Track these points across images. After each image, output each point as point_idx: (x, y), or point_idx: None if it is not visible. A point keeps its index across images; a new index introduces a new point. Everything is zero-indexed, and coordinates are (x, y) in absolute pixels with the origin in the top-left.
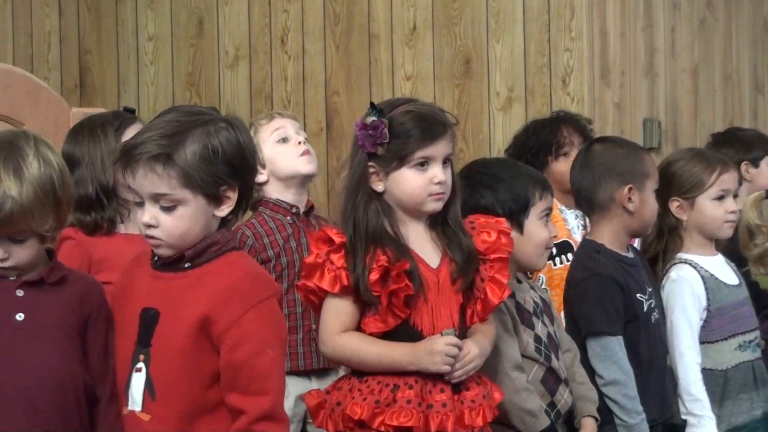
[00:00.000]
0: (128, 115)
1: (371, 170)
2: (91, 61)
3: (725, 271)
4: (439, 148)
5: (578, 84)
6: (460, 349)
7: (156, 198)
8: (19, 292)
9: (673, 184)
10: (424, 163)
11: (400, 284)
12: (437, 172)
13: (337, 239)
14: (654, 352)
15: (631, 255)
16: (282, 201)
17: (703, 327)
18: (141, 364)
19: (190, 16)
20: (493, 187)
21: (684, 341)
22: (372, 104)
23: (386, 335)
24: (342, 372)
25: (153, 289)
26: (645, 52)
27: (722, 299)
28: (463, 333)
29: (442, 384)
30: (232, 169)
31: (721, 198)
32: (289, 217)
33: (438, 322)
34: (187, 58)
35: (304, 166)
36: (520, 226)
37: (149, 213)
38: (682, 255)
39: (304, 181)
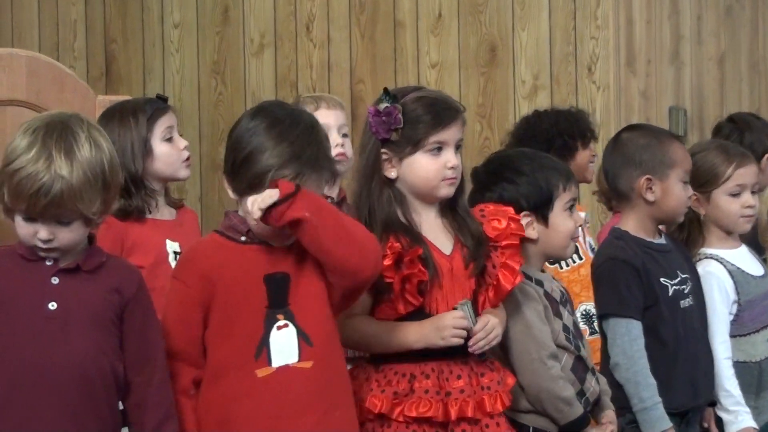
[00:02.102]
0: (161, 104)
1: (384, 157)
2: (117, 49)
3: (751, 263)
4: (451, 133)
5: (604, 72)
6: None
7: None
8: (54, 280)
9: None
10: (438, 148)
11: (413, 270)
12: (450, 157)
13: None
14: (683, 337)
15: (662, 241)
16: None
17: (734, 320)
18: (283, 321)
19: (215, 3)
20: (516, 181)
21: (716, 337)
22: (386, 90)
23: (400, 321)
24: None
25: (266, 258)
26: (671, 40)
27: (751, 291)
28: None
29: (459, 370)
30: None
31: (737, 193)
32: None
33: (452, 308)
34: (212, 46)
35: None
36: (545, 219)
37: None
38: (706, 250)
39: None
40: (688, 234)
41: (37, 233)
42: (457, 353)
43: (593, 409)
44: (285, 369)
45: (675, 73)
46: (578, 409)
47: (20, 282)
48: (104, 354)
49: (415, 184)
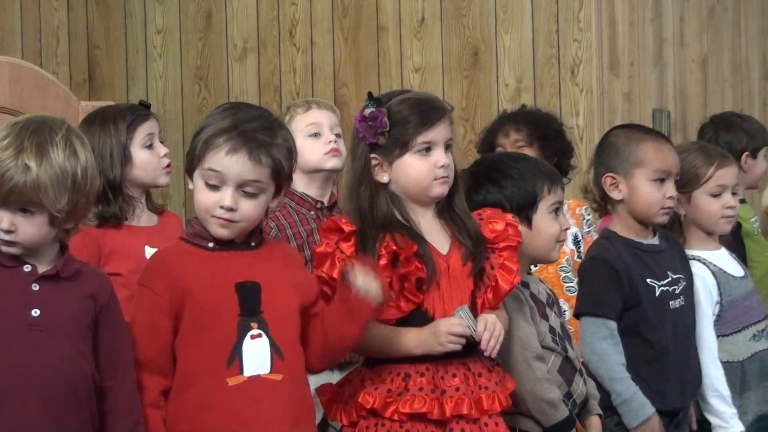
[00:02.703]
0: (143, 110)
1: (374, 162)
2: (100, 55)
3: (731, 264)
4: (439, 132)
5: (587, 75)
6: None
7: (244, 184)
8: (35, 287)
9: None
10: (426, 149)
11: (409, 267)
12: (440, 156)
13: (347, 228)
14: (671, 338)
15: (653, 241)
16: (307, 195)
17: (716, 321)
18: (257, 331)
19: (198, 9)
20: (501, 183)
21: (703, 337)
22: (370, 95)
23: (400, 323)
24: None
25: (235, 265)
26: (654, 42)
27: (733, 292)
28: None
29: (455, 370)
30: (291, 167)
31: (718, 194)
32: (312, 212)
33: (450, 309)
34: (195, 52)
35: (329, 161)
36: (528, 221)
37: (232, 197)
38: (688, 251)
39: (329, 176)
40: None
41: (0, 222)
42: (454, 354)
43: (581, 412)
44: (256, 379)
45: (658, 76)
46: (563, 412)
47: (0, 288)
48: (84, 359)
49: (408, 185)
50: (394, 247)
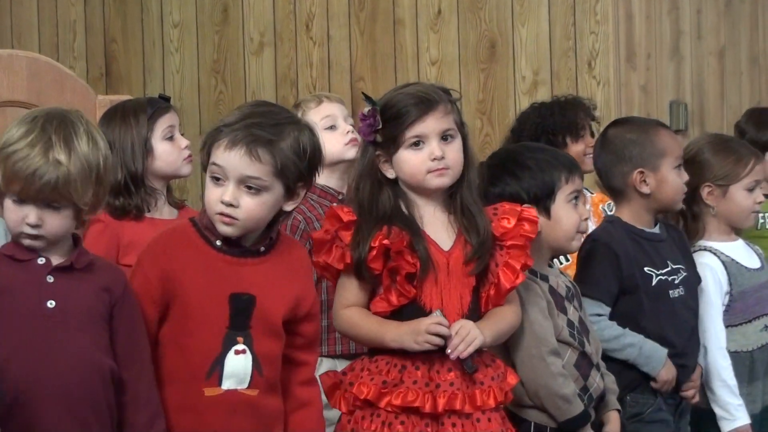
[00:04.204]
0: (163, 103)
1: (382, 158)
2: (117, 49)
3: (746, 255)
4: (429, 124)
5: (604, 67)
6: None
7: (245, 180)
8: (50, 278)
9: (705, 171)
10: (418, 142)
11: (399, 261)
12: (433, 148)
13: (347, 217)
14: (670, 327)
15: (655, 230)
16: (328, 187)
17: (725, 311)
18: (242, 346)
19: (214, 2)
20: (518, 174)
21: (710, 327)
22: (363, 94)
23: (393, 316)
24: None
25: (235, 274)
26: (671, 34)
27: (744, 283)
28: (476, 316)
29: (451, 364)
30: (309, 168)
31: (752, 188)
32: (335, 203)
33: (448, 305)
34: (212, 46)
35: (349, 151)
36: (547, 211)
37: (232, 193)
38: (703, 242)
39: (349, 165)
40: (686, 228)
41: (26, 217)
42: (443, 349)
43: (598, 406)
44: (233, 393)
45: (675, 68)
46: (577, 407)
47: (15, 281)
48: (101, 350)
49: (406, 179)
50: (386, 242)
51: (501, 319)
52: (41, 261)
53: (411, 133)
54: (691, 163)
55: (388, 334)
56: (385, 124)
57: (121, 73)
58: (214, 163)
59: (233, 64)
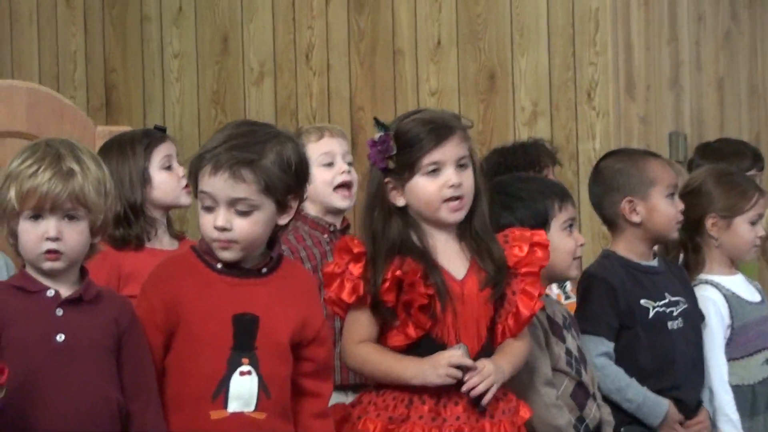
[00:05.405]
0: (158, 134)
1: (390, 186)
2: (117, 79)
3: (747, 289)
4: (447, 151)
5: (603, 98)
6: (467, 368)
7: (234, 202)
8: (59, 311)
9: (710, 202)
10: (435, 170)
11: (412, 294)
12: (450, 176)
13: (357, 249)
14: (667, 361)
15: (652, 263)
16: (320, 218)
17: (727, 344)
18: (248, 367)
19: (214, 33)
20: (511, 206)
21: (713, 361)
22: (375, 120)
23: (410, 349)
24: None
25: (237, 295)
26: (670, 65)
27: (745, 316)
28: (490, 350)
29: (458, 397)
30: (298, 180)
31: (755, 221)
32: (326, 235)
33: (463, 336)
34: (212, 75)
35: (339, 201)
36: None
37: (224, 217)
38: (704, 276)
39: (340, 211)
40: (686, 262)
41: (46, 232)
42: (460, 383)
43: None
44: (239, 416)
45: (674, 98)
46: None
47: (24, 313)
48: (109, 384)
49: (420, 208)
50: (398, 273)
51: (518, 355)
52: (50, 293)
53: (429, 159)
54: (695, 194)
55: (408, 371)
56: (400, 150)
57: (121, 103)
58: (203, 191)
59: (233, 94)
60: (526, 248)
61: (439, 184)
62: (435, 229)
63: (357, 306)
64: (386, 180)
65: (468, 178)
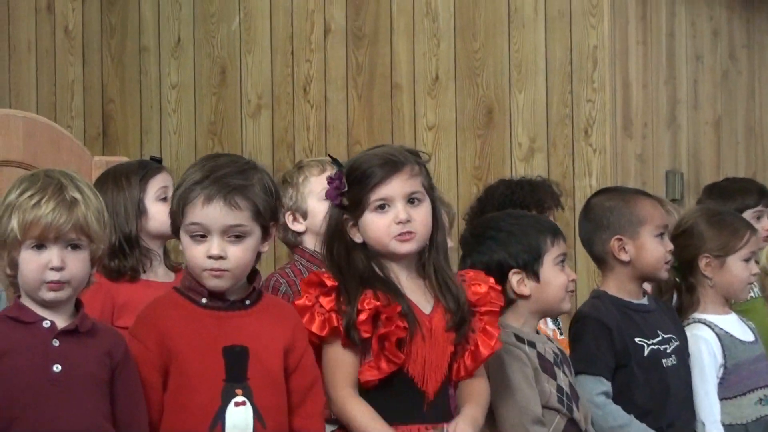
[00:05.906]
0: (154, 165)
1: (350, 222)
2: (114, 109)
3: (740, 329)
4: (394, 187)
5: (600, 135)
6: None
7: (228, 230)
8: (55, 342)
9: (702, 242)
10: (383, 205)
11: (390, 327)
12: (398, 212)
13: (329, 283)
14: (662, 398)
15: (643, 301)
16: (318, 252)
17: (720, 383)
18: (242, 398)
19: (212, 65)
20: (504, 242)
21: (704, 400)
22: (330, 157)
23: (382, 384)
24: None
25: (225, 327)
26: (667, 103)
27: (738, 355)
28: (447, 387)
29: None
30: (277, 207)
31: (748, 259)
32: (323, 268)
33: (429, 372)
34: (209, 107)
35: None
36: (536, 275)
37: (218, 245)
38: (697, 315)
39: None
40: (680, 302)
41: (50, 262)
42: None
43: None
44: None
45: (672, 137)
46: None
47: (20, 344)
48: (102, 416)
49: (372, 244)
50: (377, 303)
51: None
52: (47, 324)
53: (375, 195)
54: (687, 235)
55: None
56: (351, 186)
57: (118, 133)
58: (193, 222)
59: (230, 126)
60: (485, 287)
61: (388, 221)
62: (395, 264)
63: (331, 340)
64: (345, 216)
65: (420, 214)
